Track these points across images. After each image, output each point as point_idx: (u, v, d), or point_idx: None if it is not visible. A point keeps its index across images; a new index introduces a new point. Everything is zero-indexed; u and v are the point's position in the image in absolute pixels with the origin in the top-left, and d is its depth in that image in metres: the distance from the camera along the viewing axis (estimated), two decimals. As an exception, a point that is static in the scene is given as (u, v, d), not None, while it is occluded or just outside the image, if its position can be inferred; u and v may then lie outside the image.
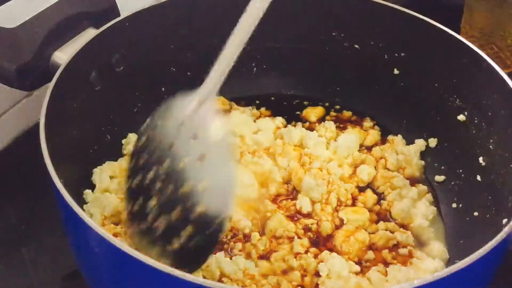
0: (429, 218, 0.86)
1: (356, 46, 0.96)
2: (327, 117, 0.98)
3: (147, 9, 0.89)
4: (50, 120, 0.73)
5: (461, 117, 0.89)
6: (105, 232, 0.64)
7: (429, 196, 0.89)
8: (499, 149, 0.82)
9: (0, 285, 0.86)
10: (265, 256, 0.80)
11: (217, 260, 0.76)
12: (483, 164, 0.85)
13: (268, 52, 0.99)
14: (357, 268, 0.79)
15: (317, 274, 0.78)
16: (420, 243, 0.84)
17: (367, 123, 0.98)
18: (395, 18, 0.91)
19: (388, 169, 0.92)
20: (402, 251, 0.82)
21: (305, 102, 1.01)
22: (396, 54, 0.94)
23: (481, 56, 0.84)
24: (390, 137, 0.96)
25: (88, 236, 0.66)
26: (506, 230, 0.66)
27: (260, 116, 0.98)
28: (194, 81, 0.97)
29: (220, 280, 0.76)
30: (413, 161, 0.92)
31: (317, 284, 0.77)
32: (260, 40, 0.97)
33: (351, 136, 0.94)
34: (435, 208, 0.87)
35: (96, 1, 0.87)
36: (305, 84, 1.01)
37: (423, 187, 0.90)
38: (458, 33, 0.89)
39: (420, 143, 0.94)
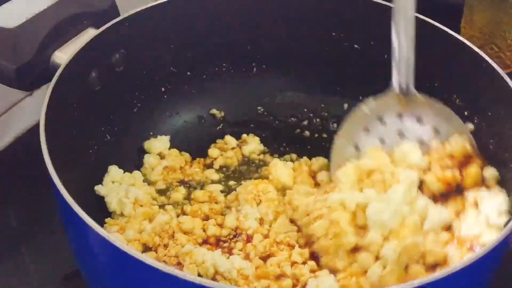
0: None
1: (356, 46, 0.96)
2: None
3: (147, 9, 0.89)
4: (50, 120, 0.73)
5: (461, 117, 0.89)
6: (105, 232, 0.64)
7: (473, 212, 0.77)
8: (499, 149, 0.82)
9: (0, 285, 0.86)
10: (263, 259, 0.79)
11: (212, 257, 0.76)
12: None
13: (268, 52, 0.99)
14: None
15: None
16: None
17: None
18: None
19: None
20: None
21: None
22: (396, 54, 0.94)
23: (481, 56, 0.84)
24: None
25: (88, 236, 0.66)
26: (506, 230, 0.66)
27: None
28: (194, 81, 0.98)
29: (214, 278, 0.76)
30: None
31: None
32: (260, 40, 0.98)
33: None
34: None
35: (96, 1, 0.87)
36: (304, 84, 1.01)
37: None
38: (458, 33, 0.89)
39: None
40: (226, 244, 0.81)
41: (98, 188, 0.85)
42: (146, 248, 0.81)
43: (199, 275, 0.75)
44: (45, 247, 0.90)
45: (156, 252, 0.80)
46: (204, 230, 0.82)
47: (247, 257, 0.79)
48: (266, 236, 0.82)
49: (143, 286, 0.65)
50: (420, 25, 0.89)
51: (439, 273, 0.61)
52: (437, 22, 0.88)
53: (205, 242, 0.82)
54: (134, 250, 0.62)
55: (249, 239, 0.81)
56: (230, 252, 0.80)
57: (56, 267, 0.88)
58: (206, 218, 0.85)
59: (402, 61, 0.83)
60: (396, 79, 0.84)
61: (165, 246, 0.80)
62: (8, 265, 0.88)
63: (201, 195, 0.88)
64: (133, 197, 0.84)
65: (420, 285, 0.60)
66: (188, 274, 0.60)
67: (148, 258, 0.61)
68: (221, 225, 0.83)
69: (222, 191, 0.90)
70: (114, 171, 0.87)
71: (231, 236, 0.82)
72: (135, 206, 0.84)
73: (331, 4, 0.94)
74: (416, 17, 0.89)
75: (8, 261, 0.89)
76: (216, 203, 0.87)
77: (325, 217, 0.77)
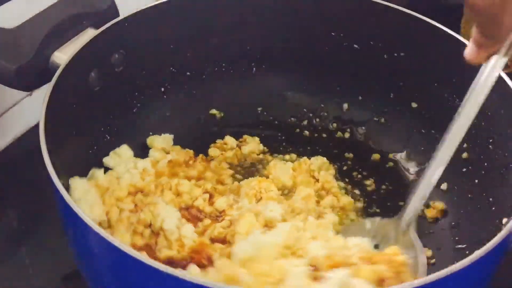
0: None
1: (356, 46, 0.96)
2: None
3: (147, 9, 0.89)
4: (50, 120, 0.73)
5: (461, 117, 0.89)
6: (105, 232, 0.64)
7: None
8: (499, 149, 0.82)
9: (0, 285, 0.86)
10: (214, 242, 0.79)
11: (166, 214, 0.78)
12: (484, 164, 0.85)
13: (267, 52, 0.99)
14: None
15: None
16: None
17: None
18: (395, 18, 0.91)
19: None
20: None
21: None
22: (396, 54, 0.94)
23: (481, 56, 0.84)
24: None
25: (88, 236, 0.66)
26: (506, 230, 0.66)
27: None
28: (194, 81, 0.98)
29: (158, 232, 0.78)
30: None
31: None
32: (259, 40, 0.98)
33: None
34: None
35: (96, 1, 0.87)
36: (304, 84, 1.01)
37: None
38: (458, 33, 0.89)
39: None
40: (198, 215, 0.82)
41: (106, 160, 0.86)
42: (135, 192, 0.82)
43: (150, 224, 0.78)
44: (45, 247, 0.90)
45: (134, 196, 0.81)
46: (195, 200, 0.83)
47: (202, 233, 0.79)
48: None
49: (143, 286, 0.65)
50: (420, 25, 0.89)
51: (439, 273, 0.61)
52: (437, 22, 0.88)
53: (186, 209, 0.82)
54: (134, 250, 0.62)
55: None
56: (195, 224, 0.80)
57: (56, 267, 0.88)
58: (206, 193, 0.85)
59: (419, 197, 0.77)
60: (405, 210, 0.78)
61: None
62: (8, 265, 0.88)
63: (217, 152, 0.92)
64: (141, 168, 0.85)
65: (420, 285, 0.60)
66: (188, 274, 0.60)
67: (148, 259, 0.61)
68: (211, 204, 0.84)
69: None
70: (124, 149, 0.88)
71: (212, 216, 0.82)
72: (144, 175, 0.84)
73: (331, 4, 0.94)
74: (416, 17, 0.89)
75: (8, 261, 0.89)
76: (222, 184, 0.88)
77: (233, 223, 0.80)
